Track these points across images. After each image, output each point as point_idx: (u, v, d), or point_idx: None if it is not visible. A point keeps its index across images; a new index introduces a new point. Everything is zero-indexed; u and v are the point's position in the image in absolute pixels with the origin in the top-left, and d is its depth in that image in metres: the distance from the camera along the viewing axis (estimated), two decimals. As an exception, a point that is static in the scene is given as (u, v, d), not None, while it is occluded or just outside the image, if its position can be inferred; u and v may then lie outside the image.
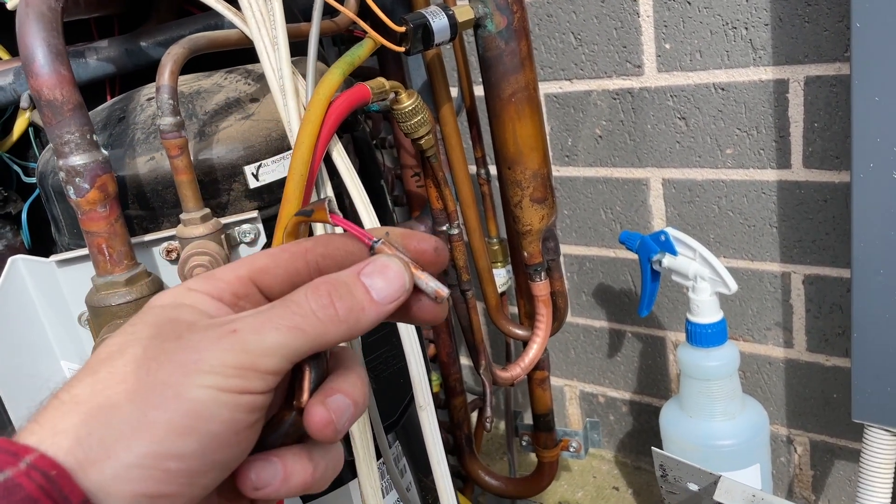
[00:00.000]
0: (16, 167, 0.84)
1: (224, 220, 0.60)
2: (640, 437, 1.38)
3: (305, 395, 0.31)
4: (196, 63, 0.64)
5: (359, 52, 0.65)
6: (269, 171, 0.64)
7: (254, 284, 0.33)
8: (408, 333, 0.64)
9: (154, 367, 0.28)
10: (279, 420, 0.31)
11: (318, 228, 0.62)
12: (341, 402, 0.31)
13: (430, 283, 0.34)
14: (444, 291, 0.35)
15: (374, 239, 0.34)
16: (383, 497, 0.62)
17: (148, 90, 0.70)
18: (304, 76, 0.63)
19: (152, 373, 0.28)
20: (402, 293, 0.33)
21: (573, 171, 1.24)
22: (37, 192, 0.83)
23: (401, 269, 0.33)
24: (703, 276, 0.94)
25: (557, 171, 1.25)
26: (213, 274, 0.33)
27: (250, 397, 0.28)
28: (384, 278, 0.32)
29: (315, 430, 0.31)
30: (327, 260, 0.34)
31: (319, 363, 0.32)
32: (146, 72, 0.77)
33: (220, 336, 0.29)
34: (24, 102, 0.75)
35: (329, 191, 0.61)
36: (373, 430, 0.61)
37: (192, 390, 0.27)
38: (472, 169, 1.00)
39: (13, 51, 0.80)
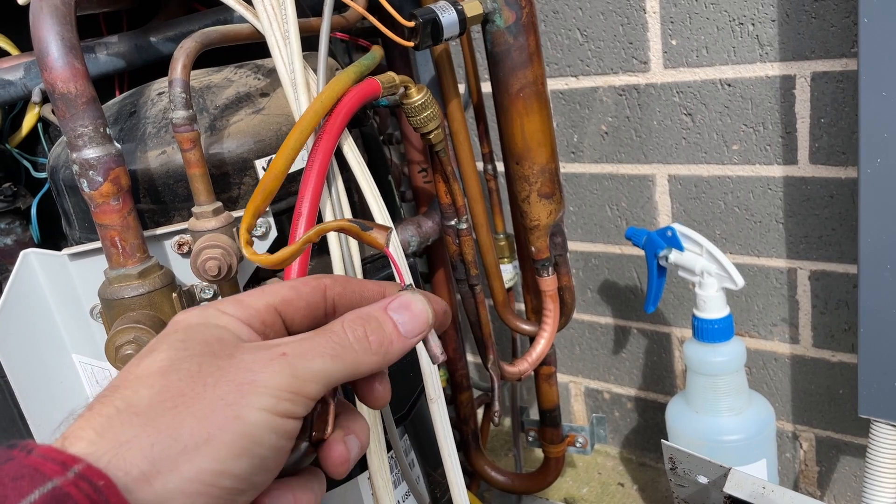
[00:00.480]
0: (25, 162, 0.84)
1: (235, 214, 0.60)
2: (645, 434, 1.38)
3: (329, 428, 0.33)
4: (203, 59, 0.65)
5: (366, 63, 0.65)
6: (279, 165, 0.64)
7: (278, 314, 0.34)
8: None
9: (210, 382, 0.29)
10: (293, 448, 0.32)
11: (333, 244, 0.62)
12: (355, 444, 0.34)
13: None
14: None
15: (409, 283, 0.38)
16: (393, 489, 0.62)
17: (158, 85, 0.70)
18: (314, 71, 0.63)
19: (209, 389, 0.29)
20: (426, 327, 0.35)
21: (579, 168, 1.24)
22: (46, 187, 0.83)
23: (425, 305, 0.36)
24: (709, 272, 0.94)
25: (563, 168, 1.25)
26: (240, 300, 0.34)
27: (292, 422, 0.30)
28: (410, 313, 0.35)
29: (332, 464, 0.33)
30: (342, 300, 0.36)
31: (336, 398, 0.34)
32: (154, 67, 0.77)
33: (271, 358, 0.30)
34: (35, 97, 0.75)
35: (339, 184, 0.61)
36: (383, 422, 0.62)
37: (249, 413, 0.29)
38: (479, 165, 1.00)
39: (22, 46, 0.81)
